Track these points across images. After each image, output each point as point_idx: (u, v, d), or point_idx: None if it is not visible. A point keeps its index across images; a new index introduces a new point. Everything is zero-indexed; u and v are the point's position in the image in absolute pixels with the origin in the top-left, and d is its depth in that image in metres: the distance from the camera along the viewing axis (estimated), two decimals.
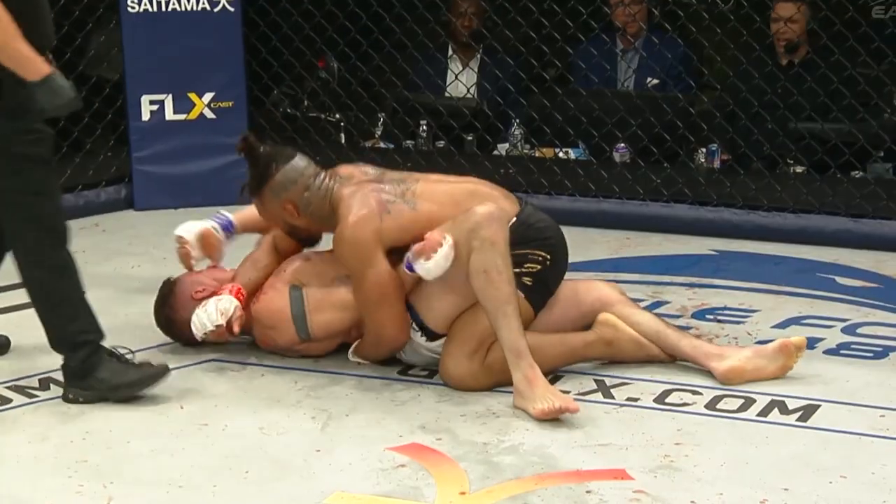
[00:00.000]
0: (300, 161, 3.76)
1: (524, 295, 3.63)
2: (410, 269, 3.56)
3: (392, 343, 3.74)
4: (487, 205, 3.60)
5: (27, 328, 4.19)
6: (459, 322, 3.64)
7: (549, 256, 3.71)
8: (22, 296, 4.45)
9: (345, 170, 3.86)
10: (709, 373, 3.69)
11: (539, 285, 3.70)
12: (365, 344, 3.80)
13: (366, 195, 3.67)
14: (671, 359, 3.76)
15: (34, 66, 3.32)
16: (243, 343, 4.00)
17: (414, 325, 3.70)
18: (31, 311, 4.32)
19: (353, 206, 3.65)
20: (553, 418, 3.39)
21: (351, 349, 3.84)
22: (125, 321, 4.25)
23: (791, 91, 5.52)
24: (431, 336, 3.70)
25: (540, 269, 3.69)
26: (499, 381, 3.61)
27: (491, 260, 3.51)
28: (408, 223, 3.64)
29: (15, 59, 3.31)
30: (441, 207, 3.67)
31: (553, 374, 3.68)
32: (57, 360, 3.85)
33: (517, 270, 3.58)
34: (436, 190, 3.74)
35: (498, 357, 3.58)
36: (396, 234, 3.64)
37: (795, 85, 5.55)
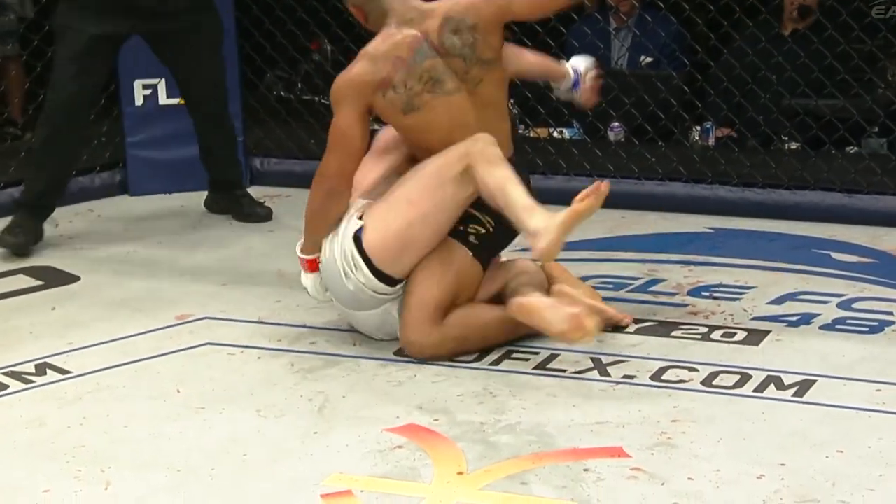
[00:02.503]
0: None
1: (472, 252, 3.69)
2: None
3: (326, 186, 3.70)
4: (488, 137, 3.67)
5: (22, 314, 4.21)
6: (416, 282, 3.66)
7: (492, 224, 3.71)
8: (15, 283, 4.51)
9: None
10: (706, 348, 3.72)
11: (485, 244, 3.72)
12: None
13: (384, 63, 3.68)
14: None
15: None
16: (239, 326, 4.02)
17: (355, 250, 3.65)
18: (25, 297, 4.37)
19: (365, 62, 3.70)
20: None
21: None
22: (120, 306, 4.26)
23: (790, 64, 5.52)
24: (375, 271, 3.65)
25: (484, 232, 3.72)
26: (457, 350, 3.67)
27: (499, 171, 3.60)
28: (391, 119, 3.75)
29: None
30: (434, 129, 3.71)
31: (550, 353, 3.70)
32: (52, 345, 3.87)
33: (462, 228, 3.68)
34: (445, 112, 3.74)
35: (455, 322, 3.65)
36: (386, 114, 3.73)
37: (794, 56, 5.53)
